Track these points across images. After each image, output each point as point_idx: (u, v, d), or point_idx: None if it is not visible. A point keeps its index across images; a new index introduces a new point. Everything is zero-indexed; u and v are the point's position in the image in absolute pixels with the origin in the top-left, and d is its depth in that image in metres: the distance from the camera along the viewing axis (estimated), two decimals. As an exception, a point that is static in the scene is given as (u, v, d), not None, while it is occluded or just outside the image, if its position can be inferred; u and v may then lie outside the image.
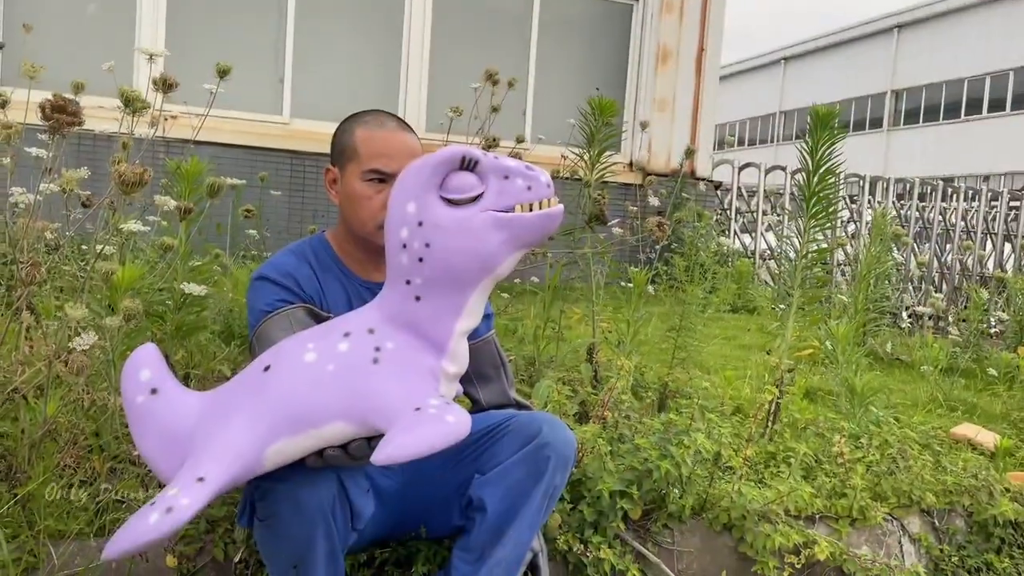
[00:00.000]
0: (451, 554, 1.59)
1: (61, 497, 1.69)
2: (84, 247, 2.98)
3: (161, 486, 1.25)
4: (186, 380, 2.36)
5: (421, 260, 1.22)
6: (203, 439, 1.21)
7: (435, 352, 1.25)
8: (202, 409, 1.25)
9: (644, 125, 3.96)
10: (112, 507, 1.71)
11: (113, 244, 1.98)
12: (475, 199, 1.22)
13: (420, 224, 1.22)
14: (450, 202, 1.22)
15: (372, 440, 1.19)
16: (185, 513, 1.09)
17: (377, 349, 1.22)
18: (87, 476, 1.77)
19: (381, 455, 1.09)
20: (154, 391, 1.26)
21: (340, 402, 1.17)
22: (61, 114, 1.36)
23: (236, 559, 1.65)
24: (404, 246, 1.23)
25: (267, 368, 1.23)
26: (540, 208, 1.24)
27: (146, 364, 1.28)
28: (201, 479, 1.13)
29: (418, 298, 1.24)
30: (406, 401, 1.16)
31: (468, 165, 1.23)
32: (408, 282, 1.24)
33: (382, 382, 1.19)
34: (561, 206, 1.27)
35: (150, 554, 1.62)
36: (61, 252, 2.10)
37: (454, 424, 1.12)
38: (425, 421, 1.12)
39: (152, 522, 1.09)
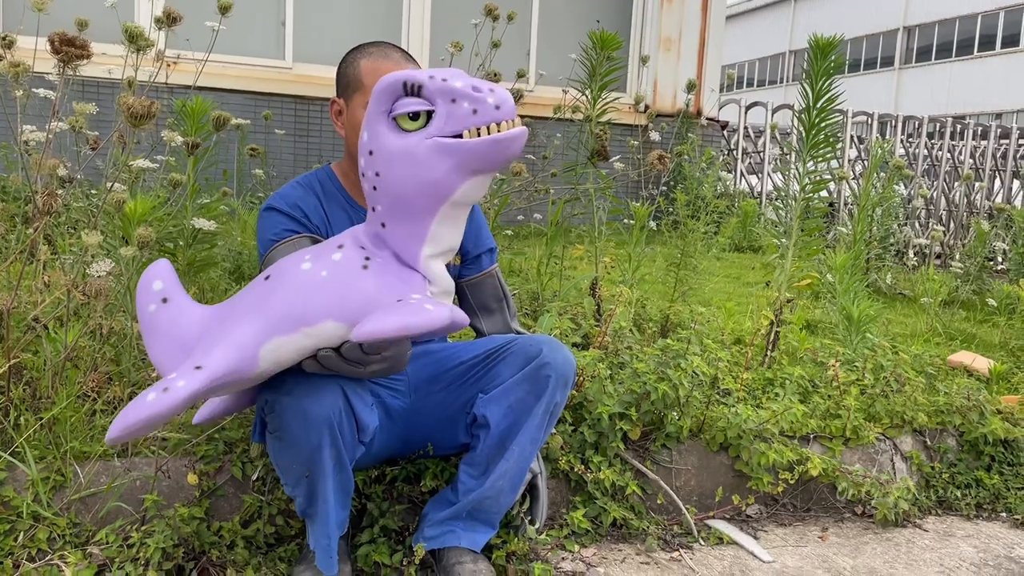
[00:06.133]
0: (458, 470, 1.67)
1: (85, 421, 1.77)
2: (92, 191, 3.03)
3: None
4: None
5: (375, 188, 1.24)
6: (205, 340, 1.27)
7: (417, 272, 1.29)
8: (208, 318, 1.31)
9: (645, 60, 3.94)
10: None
11: (123, 181, 2.02)
12: (425, 124, 1.19)
13: (371, 153, 1.23)
14: (403, 130, 1.21)
15: (364, 344, 1.23)
16: (181, 393, 1.14)
17: (367, 259, 1.26)
18: (109, 401, 1.85)
19: (361, 331, 1.13)
20: (165, 300, 1.32)
21: (331, 303, 1.21)
22: (70, 47, 1.40)
23: (253, 477, 1.73)
24: (363, 174, 1.26)
25: (267, 278, 1.29)
26: (492, 132, 1.17)
27: (159, 276, 1.34)
28: (199, 367, 1.19)
29: (383, 224, 1.27)
30: (390, 297, 1.21)
31: (412, 91, 1.20)
32: (374, 209, 1.27)
33: (370, 283, 1.23)
34: (518, 129, 1.18)
35: (173, 472, 1.71)
36: (74, 186, 2.15)
37: (432, 311, 1.13)
38: (404, 307, 1.16)
39: (149, 400, 1.14)
